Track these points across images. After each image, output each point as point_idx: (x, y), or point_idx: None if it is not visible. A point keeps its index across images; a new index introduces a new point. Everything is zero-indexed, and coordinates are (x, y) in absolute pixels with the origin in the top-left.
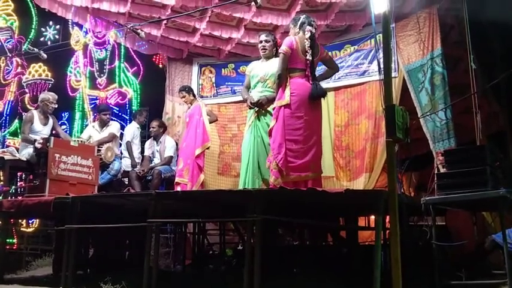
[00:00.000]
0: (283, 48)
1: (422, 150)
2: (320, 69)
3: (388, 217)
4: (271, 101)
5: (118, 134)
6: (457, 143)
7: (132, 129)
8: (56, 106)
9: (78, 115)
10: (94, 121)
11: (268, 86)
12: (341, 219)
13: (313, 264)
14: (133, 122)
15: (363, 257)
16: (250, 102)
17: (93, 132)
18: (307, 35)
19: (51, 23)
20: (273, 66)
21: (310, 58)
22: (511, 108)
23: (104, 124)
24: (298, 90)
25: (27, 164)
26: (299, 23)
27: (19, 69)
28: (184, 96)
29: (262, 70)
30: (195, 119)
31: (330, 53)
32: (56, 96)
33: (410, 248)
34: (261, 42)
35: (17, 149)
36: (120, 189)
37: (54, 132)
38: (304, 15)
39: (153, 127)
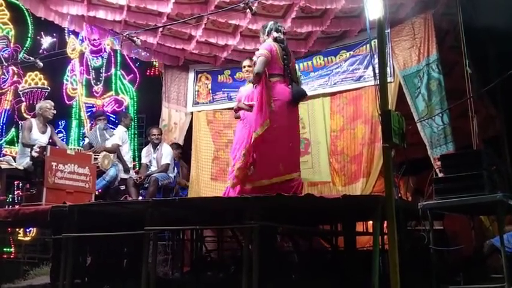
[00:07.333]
0: (263, 51)
1: (419, 154)
2: (317, 75)
3: (385, 222)
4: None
5: (120, 143)
6: (455, 148)
7: (120, 134)
8: (55, 112)
9: (74, 123)
10: (91, 129)
11: None
12: (339, 225)
13: (312, 270)
14: (119, 126)
15: (361, 262)
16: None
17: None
18: (276, 40)
19: (47, 31)
20: None
21: (282, 63)
22: (507, 112)
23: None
24: (279, 95)
25: (24, 173)
26: (267, 30)
27: (15, 78)
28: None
29: None
30: None
31: (325, 59)
32: (52, 103)
33: (409, 253)
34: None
35: (14, 158)
36: (117, 197)
37: (51, 140)
38: (272, 22)
39: (154, 134)
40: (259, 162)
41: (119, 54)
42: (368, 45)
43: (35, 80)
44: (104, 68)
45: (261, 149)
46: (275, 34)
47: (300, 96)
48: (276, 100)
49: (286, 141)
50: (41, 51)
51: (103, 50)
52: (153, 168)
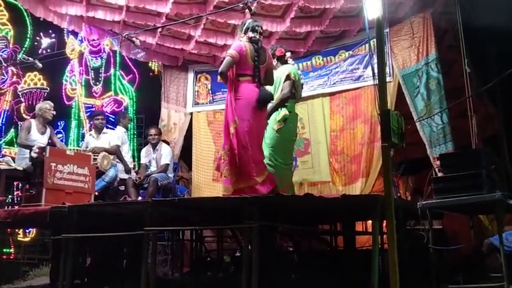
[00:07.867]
0: (231, 51)
1: (418, 154)
2: (316, 75)
3: (385, 222)
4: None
5: (120, 143)
6: (454, 147)
7: (119, 134)
8: (55, 113)
9: (74, 124)
10: (90, 130)
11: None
12: (338, 225)
13: (311, 270)
14: (118, 126)
15: (360, 261)
16: None
17: (90, 140)
18: (250, 39)
19: (46, 31)
20: (279, 72)
21: (252, 64)
22: (506, 111)
23: (99, 130)
24: (244, 94)
25: (23, 174)
26: (244, 28)
27: (14, 79)
28: None
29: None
30: None
31: (324, 59)
32: (52, 104)
33: (408, 252)
34: None
35: (13, 159)
36: (116, 198)
37: (50, 141)
38: (250, 20)
39: (151, 135)
40: (239, 164)
41: (118, 55)
42: (367, 45)
43: (34, 80)
44: (103, 69)
45: (237, 149)
46: (250, 34)
47: (265, 100)
48: (239, 99)
49: (255, 140)
50: (40, 51)
51: (102, 50)
52: (153, 168)
